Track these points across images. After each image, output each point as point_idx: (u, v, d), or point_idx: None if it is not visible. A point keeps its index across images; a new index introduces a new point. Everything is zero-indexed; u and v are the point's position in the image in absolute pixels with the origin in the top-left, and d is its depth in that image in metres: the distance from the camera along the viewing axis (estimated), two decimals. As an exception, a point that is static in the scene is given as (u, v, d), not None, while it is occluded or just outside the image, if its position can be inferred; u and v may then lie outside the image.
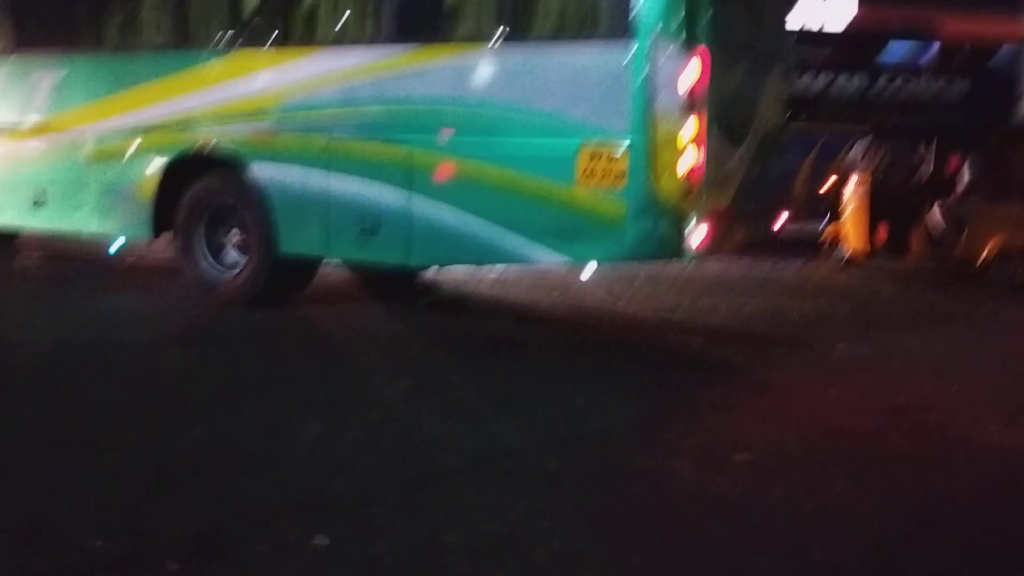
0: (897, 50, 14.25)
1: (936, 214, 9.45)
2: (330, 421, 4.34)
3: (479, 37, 6.14)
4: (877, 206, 9.80)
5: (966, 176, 9.63)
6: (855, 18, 20.81)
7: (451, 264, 7.72)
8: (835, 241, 10.28)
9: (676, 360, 5.97)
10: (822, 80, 13.71)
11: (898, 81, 13.78)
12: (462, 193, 6.12)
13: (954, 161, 9.83)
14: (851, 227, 9.93)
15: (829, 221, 10.48)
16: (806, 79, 13.10)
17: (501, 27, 6.02)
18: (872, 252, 9.92)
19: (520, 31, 6.00)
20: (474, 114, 6.05)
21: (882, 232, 9.89)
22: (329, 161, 6.51)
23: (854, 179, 10.01)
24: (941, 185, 9.77)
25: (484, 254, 6.34)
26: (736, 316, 7.44)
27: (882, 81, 13.83)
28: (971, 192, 9.41)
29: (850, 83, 13.90)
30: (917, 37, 14.53)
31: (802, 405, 4.96)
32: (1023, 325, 7.52)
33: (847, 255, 10.13)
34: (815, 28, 14.58)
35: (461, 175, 6.13)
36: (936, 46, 14.54)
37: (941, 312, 7.89)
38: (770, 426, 4.48)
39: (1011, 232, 8.89)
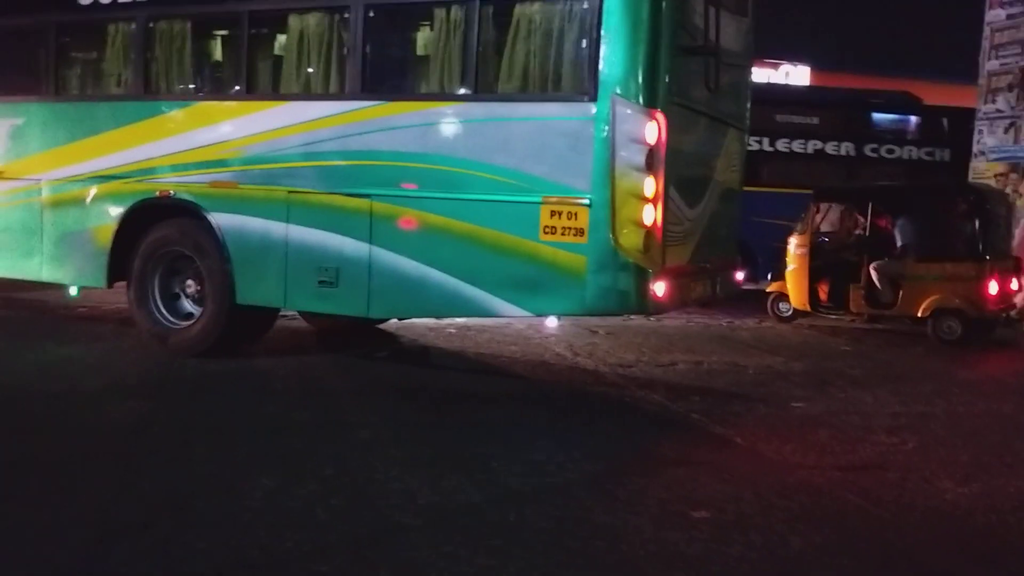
0: (845, 117, 14.76)
1: (873, 274, 9.71)
2: (282, 476, 4.25)
3: (444, 95, 6.23)
4: (817, 265, 10.06)
5: (900, 237, 9.93)
6: (807, 86, 21.56)
7: (411, 316, 7.70)
8: (779, 298, 10.52)
9: (635, 415, 5.97)
10: (775, 144, 14.13)
11: (844, 147, 14.31)
12: (424, 246, 6.13)
13: (889, 222, 10.17)
14: (793, 285, 10.17)
15: (773, 279, 10.75)
16: (761, 142, 13.49)
17: (465, 85, 6.11)
18: (814, 309, 10.15)
19: (483, 89, 6.10)
20: (437, 169, 6.10)
21: (822, 290, 10.15)
22: (289, 212, 6.49)
23: (794, 239, 10.28)
24: (877, 245, 10.07)
25: (445, 307, 6.34)
26: (695, 372, 7.48)
27: (829, 147, 14.35)
28: (905, 252, 9.69)
29: (802, 148, 14.34)
30: (866, 107, 15.09)
31: (759, 462, 4.97)
32: (972, 383, 7.65)
33: (791, 311, 10.36)
34: (771, 95, 15.11)
35: (423, 229, 6.15)
36: (888, 114, 15.09)
37: (892, 370, 8.00)
38: (728, 483, 4.48)
39: (944, 291, 9.14)
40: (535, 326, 8.66)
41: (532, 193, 5.79)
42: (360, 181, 6.30)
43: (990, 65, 11.99)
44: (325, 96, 6.60)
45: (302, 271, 6.46)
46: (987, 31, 12.02)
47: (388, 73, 6.77)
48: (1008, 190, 11.25)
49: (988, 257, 9.27)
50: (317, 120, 6.46)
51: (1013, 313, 10.16)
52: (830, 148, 14.38)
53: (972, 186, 10.75)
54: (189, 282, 7.12)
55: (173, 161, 6.95)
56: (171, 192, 6.96)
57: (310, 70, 6.64)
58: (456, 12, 6.12)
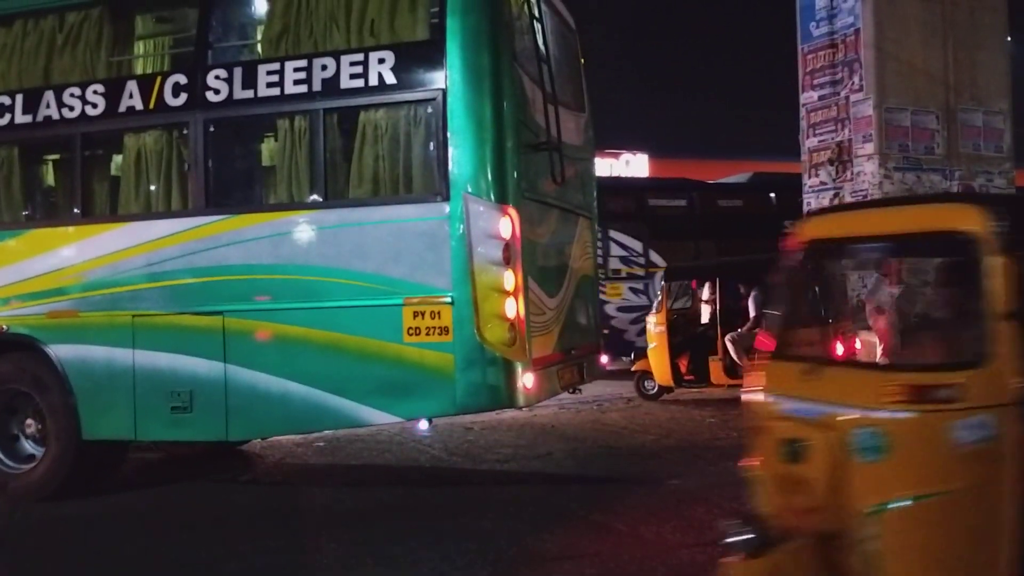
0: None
1: (729, 345, 10.11)
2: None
3: (294, 204, 6.14)
4: (676, 341, 10.40)
5: (751, 308, 10.44)
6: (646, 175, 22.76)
7: (274, 434, 7.38)
8: (644, 376, 10.75)
9: (516, 512, 5.86)
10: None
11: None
12: (283, 360, 5.93)
13: (740, 297, 10.71)
14: (655, 363, 10.45)
15: (636, 358, 11.00)
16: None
17: (315, 193, 6.06)
18: (678, 384, 10.43)
19: (335, 196, 6.07)
20: (293, 279, 5.96)
21: (683, 365, 10.46)
22: (135, 337, 6.15)
23: (652, 318, 10.64)
24: (731, 319, 10.55)
25: (310, 421, 6.12)
26: (571, 459, 7.48)
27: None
28: (757, 324, 10.17)
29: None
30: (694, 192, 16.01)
31: (642, 546, 4.96)
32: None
33: (656, 388, 10.60)
34: (616, 185, 15.84)
35: (281, 341, 5.96)
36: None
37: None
38: (614, 572, 4.43)
39: None
40: (408, 429, 8.47)
41: (393, 295, 5.73)
42: (210, 298, 6.06)
43: (809, 142, 12.93)
44: (168, 214, 6.37)
45: (152, 398, 6.10)
46: (803, 111, 13.02)
47: (234, 186, 6.63)
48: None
49: (831, 321, 9.80)
50: (161, 239, 6.21)
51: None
52: None
53: (809, 255, 11.42)
54: (29, 421, 6.58)
55: (6, 293, 6.51)
56: (4, 327, 6.50)
57: (151, 188, 6.42)
58: (300, 122, 6.10)
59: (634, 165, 23.22)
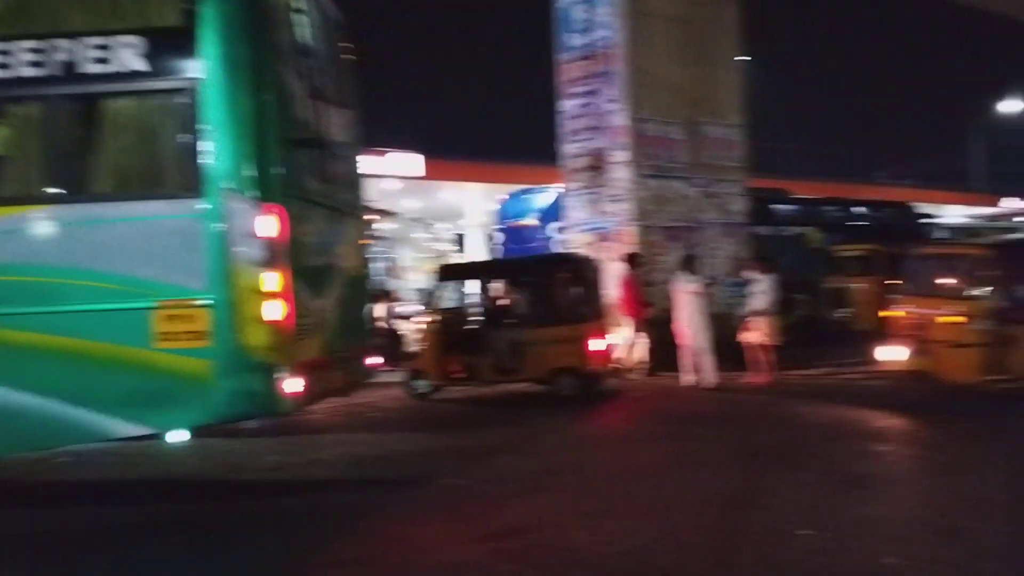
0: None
1: (501, 342, 10.39)
2: None
3: (29, 197, 5.59)
4: (448, 339, 10.54)
5: (520, 307, 10.80)
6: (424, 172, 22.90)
7: (10, 454, 6.64)
8: (416, 374, 10.76)
9: (283, 523, 5.66)
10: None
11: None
12: (15, 370, 5.39)
13: (510, 295, 11.04)
14: (427, 360, 10.54)
15: (411, 356, 10.99)
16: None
17: (55, 186, 5.53)
18: (448, 382, 10.57)
19: (78, 190, 5.58)
20: (27, 281, 5.44)
21: (455, 362, 10.61)
22: None
23: (424, 317, 10.73)
24: (500, 316, 10.85)
25: (49, 437, 5.61)
26: (343, 464, 7.34)
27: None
28: (525, 321, 10.53)
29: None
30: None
31: (413, 546, 4.95)
32: (591, 435, 8.40)
33: (429, 387, 10.67)
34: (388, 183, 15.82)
35: (13, 350, 5.41)
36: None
37: (524, 431, 8.50)
38: (381, 574, 4.39)
39: (558, 353, 10.06)
40: (164, 440, 7.93)
41: (144, 298, 5.36)
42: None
43: (569, 149, 13.57)
44: None
45: None
46: (562, 119, 13.62)
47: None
48: (597, 256, 12.70)
49: (589, 318, 10.34)
50: None
51: (618, 365, 11.40)
52: None
53: (571, 256, 11.95)
54: None
55: None
56: None
57: None
58: (35, 108, 5.55)
59: (408, 165, 23.26)
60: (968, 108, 43.45)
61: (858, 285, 14.89)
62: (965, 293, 8.78)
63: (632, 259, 11.90)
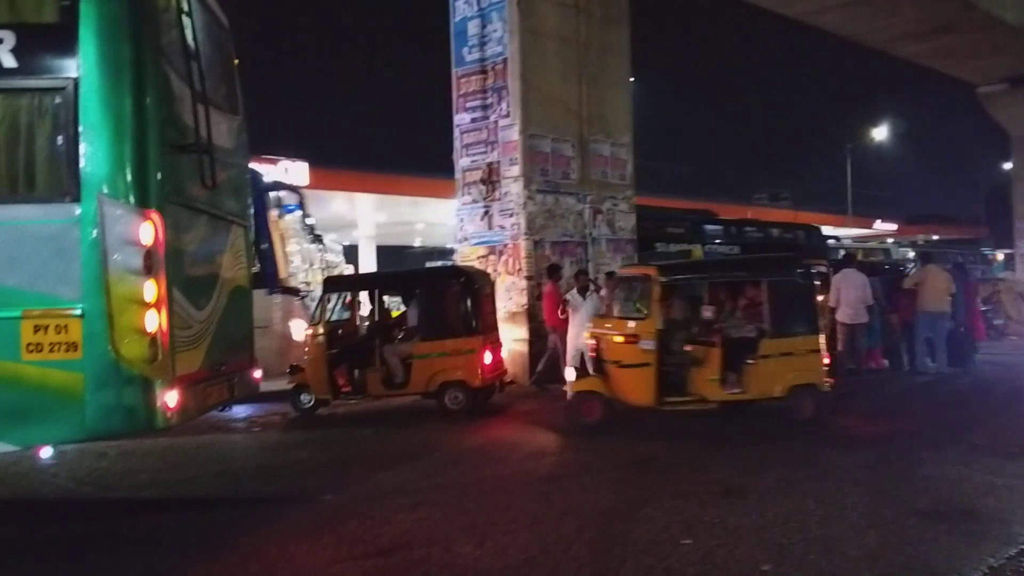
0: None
1: (387, 355, 10.30)
2: None
3: None
4: (334, 353, 10.37)
5: (408, 319, 10.75)
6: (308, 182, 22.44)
7: None
8: (300, 389, 10.51)
9: (155, 542, 5.42)
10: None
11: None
12: None
13: (400, 307, 10.99)
14: (312, 375, 10.33)
15: (293, 371, 10.70)
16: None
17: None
18: (335, 396, 10.39)
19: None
20: None
21: (342, 376, 10.46)
22: None
23: (310, 330, 10.55)
24: (388, 330, 10.77)
25: None
26: (218, 482, 7.09)
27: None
28: (412, 335, 10.48)
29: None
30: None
31: (293, 566, 4.83)
32: (478, 449, 8.37)
33: (313, 402, 10.45)
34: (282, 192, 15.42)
35: None
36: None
37: (410, 447, 8.37)
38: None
39: (447, 366, 10.05)
40: (29, 457, 7.50)
41: (9, 307, 5.06)
42: None
43: (463, 162, 13.60)
44: None
45: None
46: (457, 132, 13.65)
47: None
48: (490, 270, 12.76)
49: (481, 332, 10.35)
50: None
51: (507, 378, 11.45)
52: None
53: (463, 269, 11.93)
54: None
55: None
56: None
57: None
58: None
59: (293, 173, 22.77)
60: (843, 134, 46.03)
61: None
62: (634, 314, 8.89)
63: (552, 271, 12.17)
